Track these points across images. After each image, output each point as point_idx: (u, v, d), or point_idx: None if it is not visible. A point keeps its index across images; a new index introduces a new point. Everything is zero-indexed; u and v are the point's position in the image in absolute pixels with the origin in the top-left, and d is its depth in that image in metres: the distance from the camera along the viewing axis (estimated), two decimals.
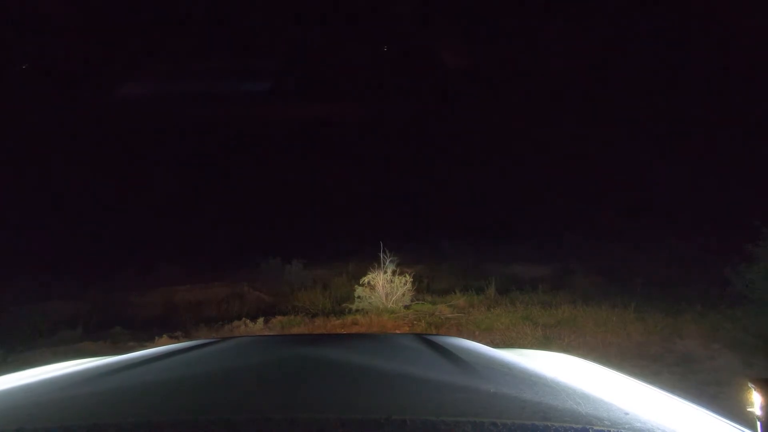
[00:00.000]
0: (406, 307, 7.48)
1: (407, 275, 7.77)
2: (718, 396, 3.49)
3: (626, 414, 0.75)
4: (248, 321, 6.79)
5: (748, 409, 0.81)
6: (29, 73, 13.66)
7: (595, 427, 0.67)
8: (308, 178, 18.54)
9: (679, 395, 1.03)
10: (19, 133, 13.86)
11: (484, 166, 18.29)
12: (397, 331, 6.14)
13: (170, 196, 15.57)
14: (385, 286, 7.59)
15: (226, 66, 11.55)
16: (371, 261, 7.99)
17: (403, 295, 7.58)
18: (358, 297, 7.60)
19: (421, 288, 8.25)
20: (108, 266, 11.18)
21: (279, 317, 7.03)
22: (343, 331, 6.37)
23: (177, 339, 5.98)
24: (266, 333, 6.35)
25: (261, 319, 6.83)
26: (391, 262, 7.83)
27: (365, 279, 7.68)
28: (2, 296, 6.54)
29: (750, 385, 0.81)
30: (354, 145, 19.18)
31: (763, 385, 0.79)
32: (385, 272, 7.70)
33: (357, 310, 7.39)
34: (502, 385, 0.92)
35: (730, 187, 11.67)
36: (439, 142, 19.69)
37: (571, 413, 0.72)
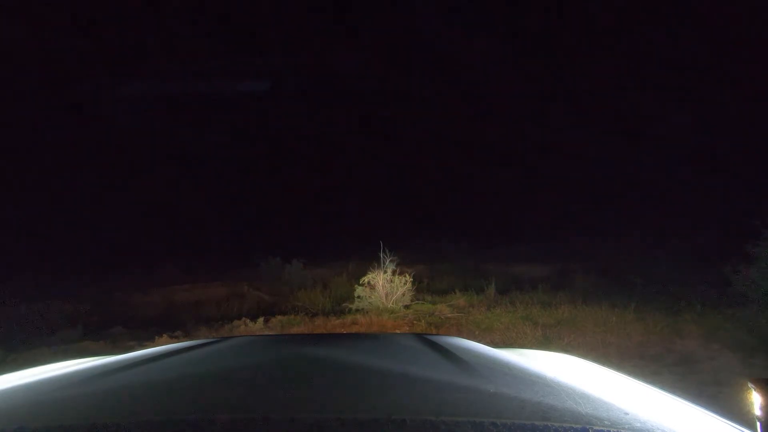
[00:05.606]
0: (406, 307, 7.48)
1: (407, 275, 7.77)
2: (718, 396, 3.49)
3: (626, 414, 0.75)
4: (248, 321, 6.79)
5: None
6: (29, 74, 13.65)
7: (595, 427, 0.67)
8: (308, 179, 18.55)
9: (679, 395, 1.03)
10: (20, 133, 13.86)
11: (485, 167, 18.29)
12: (397, 331, 6.14)
13: (171, 197, 15.57)
14: (385, 286, 7.58)
15: (226, 66, 11.56)
16: (371, 261, 7.99)
17: (403, 294, 7.58)
18: (358, 297, 7.60)
19: (421, 288, 8.25)
20: (108, 266, 11.18)
21: (279, 317, 7.03)
22: (343, 331, 6.37)
23: (177, 339, 5.98)
24: (266, 333, 6.35)
25: (261, 319, 6.83)
26: (391, 261, 7.83)
27: (365, 279, 7.68)
28: (2, 296, 6.53)
29: (750, 385, 0.81)
30: (354, 146, 19.18)
31: (763, 386, 0.79)
32: (385, 272, 7.69)
33: (357, 310, 7.39)
34: (502, 385, 0.92)
35: (729, 187, 11.67)
36: (440, 142, 19.70)
37: (571, 413, 0.72)
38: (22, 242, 11.36)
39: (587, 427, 0.66)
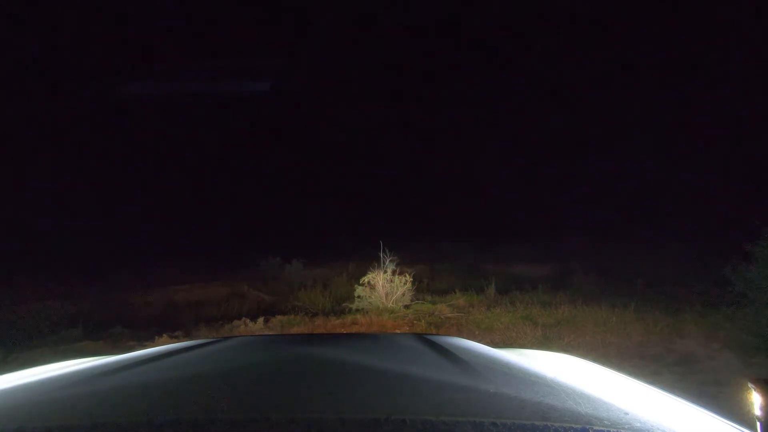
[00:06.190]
0: (406, 307, 7.48)
1: (407, 275, 7.77)
2: (718, 396, 3.49)
3: (626, 414, 0.75)
4: (248, 320, 6.79)
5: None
6: (31, 73, 13.65)
7: (595, 427, 0.66)
8: (308, 179, 18.55)
9: (679, 395, 1.03)
10: (21, 133, 13.86)
11: (485, 167, 18.29)
12: (397, 331, 6.14)
13: (171, 196, 15.57)
14: (385, 286, 7.58)
15: (226, 66, 11.55)
16: (371, 261, 7.99)
17: (403, 294, 7.58)
18: (358, 296, 7.61)
19: (421, 288, 8.25)
20: (108, 266, 11.18)
21: (279, 317, 7.03)
22: (343, 331, 6.37)
23: (177, 339, 5.98)
24: (266, 332, 6.35)
25: (261, 319, 6.83)
26: (391, 261, 7.83)
27: (365, 279, 7.68)
28: (2, 296, 6.53)
29: (750, 385, 0.81)
30: (354, 146, 19.17)
31: (763, 386, 0.79)
32: (385, 272, 7.70)
33: (357, 310, 7.39)
34: (502, 385, 0.92)
35: (729, 187, 11.66)
36: (440, 142, 19.69)
37: (570, 413, 0.72)
38: (23, 242, 11.36)
39: (587, 427, 0.66)
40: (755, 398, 0.79)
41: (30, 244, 11.48)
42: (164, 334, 6.18)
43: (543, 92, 17.42)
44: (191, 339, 4.14)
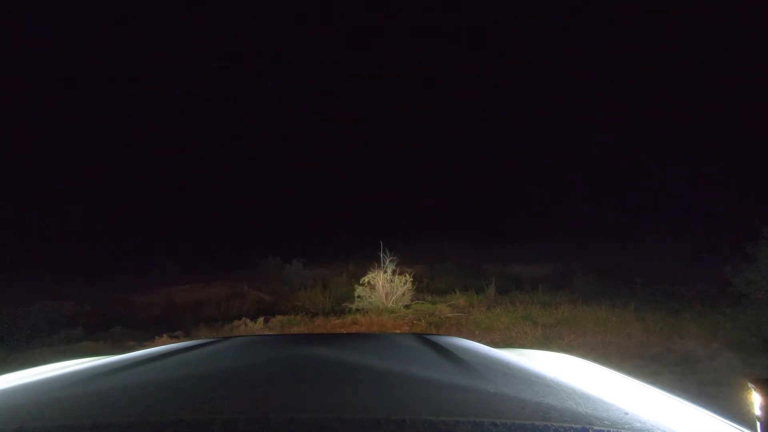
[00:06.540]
0: (406, 307, 7.48)
1: (407, 275, 7.77)
2: (718, 396, 3.49)
3: (626, 414, 0.75)
4: (248, 320, 6.79)
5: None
6: (33, 75, 13.66)
7: (595, 427, 0.66)
8: (309, 178, 18.55)
9: (679, 395, 1.03)
10: (21, 134, 13.87)
11: (485, 167, 18.29)
12: (397, 331, 6.14)
13: (171, 197, 15.57)
14: (385, 286, 7.59)
15: (227, 66, 11.55)
16: (371, 261, 7.99)
17: (403, 294, 7.58)
18: (358, 296, 7.61)
19: (421, 288, 8.25)
20: (108, 266, 11.18)
21: (279, 317, 7.03)
22: (343, 331, 6.37)
23: (177, 338, 5.98)
24: (266, 332, 6.35)
25: (261, 319, 6.83)
26: (390, 261, 7.83)
27: (365, 278, 7.68)
28: (3, 296, 6.53)
29: (750, 385, 0.81)
30: (354, 146, 19.17)
31: (763, 386, 0.78)
32: (385, 272, 7.70)
33: (357, 310, 7.40)
34: (502, 385, 0.92)
35: (729, 187, 11.67)
36: (439, 142, 19.70)
37: (570, 413, 0.72)
38: (23, 243, 11.37)
39: (587, 427, 0.66)
40: (755, 398, 0.79)
41: (30, 244, 11.49)
42: (164, 334, 6.18)
43: (544, 93, 17.43)
44: (191, 339, 4.13)
